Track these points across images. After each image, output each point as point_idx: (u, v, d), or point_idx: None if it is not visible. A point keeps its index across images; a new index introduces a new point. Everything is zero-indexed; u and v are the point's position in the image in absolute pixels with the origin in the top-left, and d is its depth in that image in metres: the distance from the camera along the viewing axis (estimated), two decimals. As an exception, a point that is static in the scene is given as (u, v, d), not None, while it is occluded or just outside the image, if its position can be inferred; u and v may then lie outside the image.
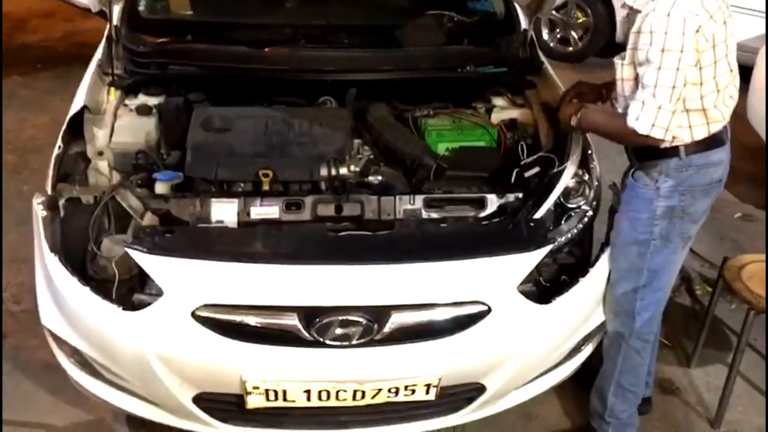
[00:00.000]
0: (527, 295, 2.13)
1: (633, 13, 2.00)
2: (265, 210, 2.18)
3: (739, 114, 4.37)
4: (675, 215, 2.12)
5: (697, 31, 1.88)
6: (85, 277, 2.09)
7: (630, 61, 2.00)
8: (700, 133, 2.04)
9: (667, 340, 2.97)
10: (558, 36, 6.27)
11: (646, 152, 2.09)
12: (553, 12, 6.14)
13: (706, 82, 1.97)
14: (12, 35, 6.19)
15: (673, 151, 2.05)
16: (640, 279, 2.18)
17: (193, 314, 1.95)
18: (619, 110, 2.08)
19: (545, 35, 6.29)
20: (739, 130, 4.49)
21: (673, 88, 1.90)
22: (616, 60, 2.05)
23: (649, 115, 1.92)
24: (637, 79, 1.97)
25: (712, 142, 2.08)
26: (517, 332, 2.08)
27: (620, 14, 2.17)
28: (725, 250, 3.35)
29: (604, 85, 2.31)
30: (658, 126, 1.93)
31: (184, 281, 1.97)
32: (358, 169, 2.33)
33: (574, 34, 6.17)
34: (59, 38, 6.12)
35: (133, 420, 2.39)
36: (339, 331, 1.97)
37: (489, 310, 2.03)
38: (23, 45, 6.01)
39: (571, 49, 6.17)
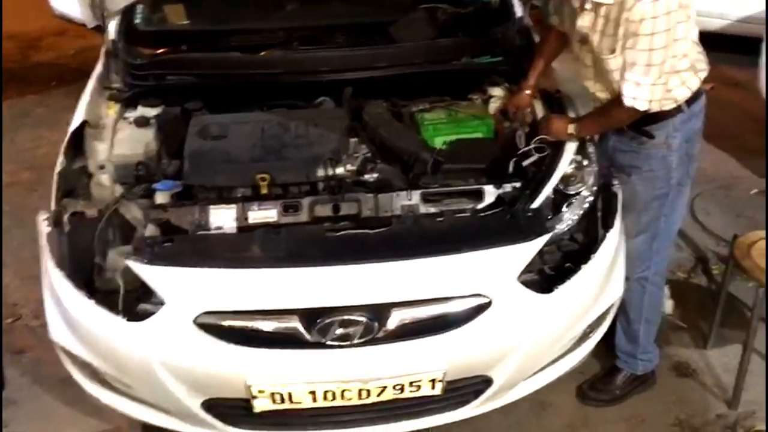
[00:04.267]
0: (530, 284, 2.12)
1: (603, 7, 2.05)
2: (263, 214, 2.19)
3: (751, 87, 4.35)
4: (685, 162, 2.27)
5: (679, 7, 1.96)
6: (93, 290, 2.13)
7: (620, 51, 2.05)
8: (694, 85, 2.19)
9: (682, 322, 2.94)
10: (567, 20, 6.19)
11: (650, 117, 2.18)
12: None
13: (686, 42, 2.10)
14: (26, 55, 6.31)
15: (677, 109, 2.19)
16: (659, 226, 2.35)
17: (194, 322, 1.97)
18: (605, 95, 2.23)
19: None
20: (750, 103, 4.49)
21: (662, 63, 2.01)
22: (606, 56, 2.11)
23: (645, 92, 2.05)
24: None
25: (700, 87, 2.22)
26: (520, 323, 2.07)
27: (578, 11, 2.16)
28: (741, 227, 3.28)
29: (526, 86, 2.49)
30: (655, 100, 2.07)
31: (184, 290, 1.99)
32: (354, 168, 2.33)
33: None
34: (72, 55, 6.22)
35: (149, 428, 2.42)
36: (340, 331, 1.97)
37: (490, 303, 2.02)
38: (37, 64, 6.12)
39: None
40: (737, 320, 2.87)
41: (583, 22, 2.13)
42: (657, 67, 2.00)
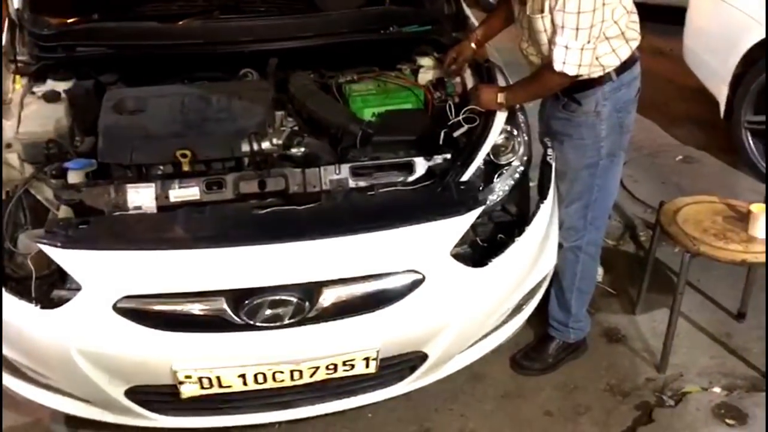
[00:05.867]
0: (462, 258, 2.09)
1: None
2: (185, 192, 2.09)
3: (676, 55, 4.44)
4: (616, 132, 2.27)
5: None
6: (3, 277, 2.00)
7: (548, 11, 2.04)
8: (624, 53, 2.17)
9: (611, 289, 2.99)
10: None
11: (579, 85, 2.18)
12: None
13: (616, 8, 2.08)
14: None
15: (606, 77, 2.19)
16: (591, 196, 2.35)
17: (114, 307, 1.87)
18: (537, 60, 2.22)
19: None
20: (675, 72, 4.59)
21: (591, 27, 2.00)
22: (535, 15, 2.10)
23: (574, 57, 2.04)
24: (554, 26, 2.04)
25: (633, 57, 2.22)
26: (453, 298, 2.04)
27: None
28: (667, 193, 3.35)
29: (471, 38, 2.48)
30: (584, 65, 2.06)
31: (103, 274, 1.89)
32: (280, 142, 2.25)
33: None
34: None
35: (72, 419, 2.31)
36: (269, 312, 1.91)
37: (423, 279, 1.98)
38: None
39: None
40: (664, 285, 2.94)
41: None
42: (586, 30, 1.99)
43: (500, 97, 2.24)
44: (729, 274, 2.86)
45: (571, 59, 2.03)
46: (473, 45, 2.47)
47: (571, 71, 2.05)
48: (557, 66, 2.05)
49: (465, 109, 2.28)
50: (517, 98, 2.27)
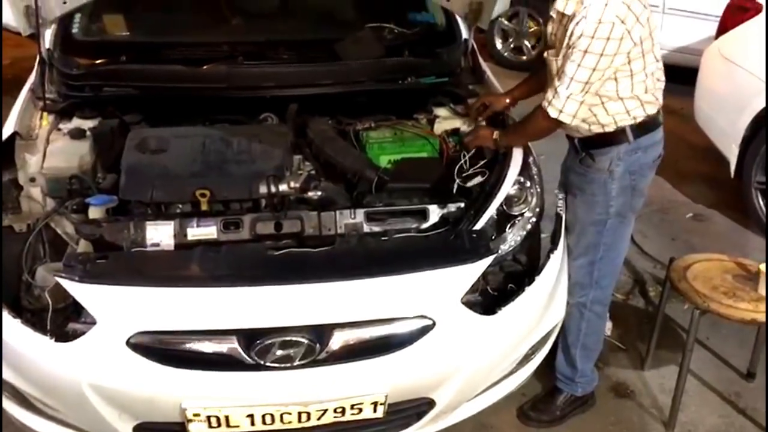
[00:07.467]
0: (473, 305, 2.11)
1: (564, 17, 2.13)
2: (202, 231, 2.13)
3: (687, 115, 4.50)
4: (628, 193, 2.29)
5: (622, 38, 2.01)
6: (19, 309, 2.03)
7: (561, 57, 2.12)
8: (639, 115, 2.20)
9: (620, 343, 2.98)
10: (511, 45, 6.34)
11: (596, 141, 2.23)
12: (505, 22, 6.24)
13: (637, 73, 2.13)
14: (-42, 63, 6.07)
15: (623, 137, 2.22)
16: (597, 253, 2.35)
17: (127, 342, 1.90)
18: None
19: (498, 45, 6.36)
20: (687, 131, 4.64)
21: (586, 83, 2.06)
22: (551, 57, 2.17)
23: (559, 101, 2.11)
24: None
25: (653, 122, 2.25)
26: (463, 345, 2.06)
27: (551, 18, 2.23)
28: (677, 250, 3.37)
29: (508, 93, 2.55)
30: (566, 113, 2.11)
31: (118, 309, 1.92)
32: (298, 185, 2.29)
33: (527, 42, 6.24)
34: (8, 65, 6.01)
35: (77, 453, 2.31)
36: (280, 352, 1.92)
37: (433, 325, 2.00)
38: (-31, 73, 5.88)
39: (524, 57, 6.24)
40: (673, 342, 2.93)
41: (551, 29, 2.21)
42: (580, 84, 2.05)
43: (495, 134, 2.34)
44: (738, 333, 2.86)
45: (556, 102, 2.10)
46: (507, 101, 2.55)
47: (552, 113, 2.11)
48: (543, 104, 2.14)
49: (469, 154, 2.37)
50: (510, 138, 2.36)
